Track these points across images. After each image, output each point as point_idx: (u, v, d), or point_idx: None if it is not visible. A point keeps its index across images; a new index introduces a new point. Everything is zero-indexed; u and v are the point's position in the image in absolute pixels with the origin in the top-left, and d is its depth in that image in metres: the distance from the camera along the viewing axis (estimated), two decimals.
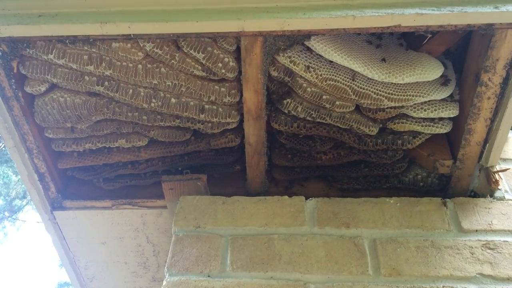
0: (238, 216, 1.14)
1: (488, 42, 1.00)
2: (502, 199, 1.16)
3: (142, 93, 1.12)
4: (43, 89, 1.13)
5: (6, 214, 6.41)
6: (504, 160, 1.26)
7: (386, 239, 1.08)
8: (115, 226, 1.39)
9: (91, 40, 1.03)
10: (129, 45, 1.05)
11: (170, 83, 1.10)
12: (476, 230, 1.09)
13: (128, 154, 1.27)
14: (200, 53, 1.05)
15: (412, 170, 1.27)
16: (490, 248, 1.05)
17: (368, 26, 0.95)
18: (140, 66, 1.08)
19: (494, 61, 1.01)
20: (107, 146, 1.24)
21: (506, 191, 1.18)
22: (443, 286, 0.98)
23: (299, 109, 1.15)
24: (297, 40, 1.03)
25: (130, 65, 1.08)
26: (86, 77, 1.10)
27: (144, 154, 1.26)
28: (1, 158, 5.78)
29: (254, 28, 0.96)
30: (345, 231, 1.10)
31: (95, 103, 1.14)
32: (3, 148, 5.54)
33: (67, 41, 1.04)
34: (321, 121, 1.17)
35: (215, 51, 1.05)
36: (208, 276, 1.01)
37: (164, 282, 1.00)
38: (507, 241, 1.06)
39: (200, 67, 1.09)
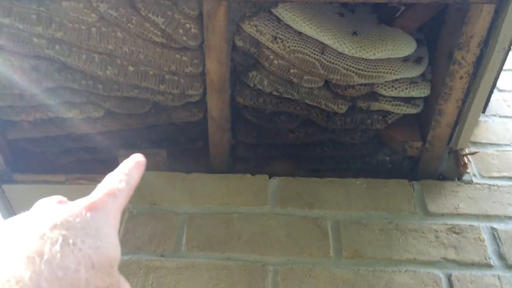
0: (198, 193, 1.08)
1: (462, 18, 0.95)
2: (470, 182, 1.13)
3: (96, 59, 1.04)
4: None
5: None
6: (474, 143, 1.23)
7: (350, 221, 1.04)
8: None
9: None
10: (81, 4, 0.96)
11: (127, 49, 1.03)
12: (442, 214, 1.06)
13: (83, 126, 1.18)
14: (159, 17, 0.97)
15: (381, 151, 1.23)
16: (455, 232, 1.02)
17: None
18: (94, 29, 1.00)
19: (468, 38, 0.97)
20: (60, 116, 1.16)
21: (474, 175, 1.15)
22: (405, 270, 0.95)
23: (265, 82, 1.08)
24: (264, 6, 0.96)
25: (83, 27, 1.00)
26: (35, 39, 1.02)
27: (100, 127, 1.18)
28: None
29: None
30: (308, 212, 1.05)
31: (45, 68, 1.06)
32: None
33: None
34: (288, 96, 1.11)
35: (175, 15, 0.98)
36: (161, 256, 0.96)
37: None
38: (472, 225, 1.03)
39: (159, 33, 1.01)
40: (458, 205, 1.07)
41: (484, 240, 1.00)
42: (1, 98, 1.12)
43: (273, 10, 0.99)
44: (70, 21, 0.99)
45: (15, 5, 0.97)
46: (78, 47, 1.03)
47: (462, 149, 1.16)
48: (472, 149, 1.21)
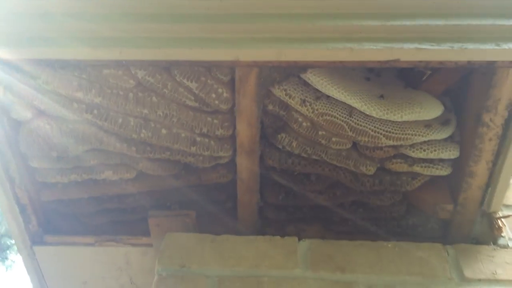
0: (227, 256, 1.07)
1: (489, 81, 0.97)
2: (506, 247, 1.09)
3: (132, 123, 1.08)
4: (29, 115, 1.09)
5: None
6: (507, 206, 1.20)
7: (383, 285, 1.00)
8: (98, 264, 1.32)
9: (82, 65, 1.01)
10: (120, 72, 1.02)
11: (161, 113, 1.07)
12: (479, 280, 1.02)
13: (114, 187, 1.21)
14: (193, 82, 1.02)
15: (411, 213, 1.21)
16: None
17: (366, 59, 0.93)
18: (131, 94, 1.05)
19: (495, 100, 0.98)
20: (93, 178, 1.19)
21: (510, 239, 1.11)
22: None
23: (294, 144, 1.10)
24: (293, 72, 1.00)
25: (121, 93, 1.05)
26: (75, 104, 1.07)
27: (132, 188, 1.21)
28: None
29: (249, 58, 0.94)
30: (340, 276, 1.03)
31: (82, 132, 1.10)
32: None
33: (56, 65, 1.01)
34: (316, 158, 1.12)
35: (208, 81, 1.02)
36: None
37: None
38: None
39: (193, 97, 1.05)
40: (495, 271, 1.03)
41: None
42: (38, 161, 1.16)
43: (302, 75, 1.03)
44: (109, 87, 1.04)
45: (58, 72, 1.04)
46: (115, 111, 1.07)
47: (495, 212, 1.13)
48: (506, 212, 1.18)
